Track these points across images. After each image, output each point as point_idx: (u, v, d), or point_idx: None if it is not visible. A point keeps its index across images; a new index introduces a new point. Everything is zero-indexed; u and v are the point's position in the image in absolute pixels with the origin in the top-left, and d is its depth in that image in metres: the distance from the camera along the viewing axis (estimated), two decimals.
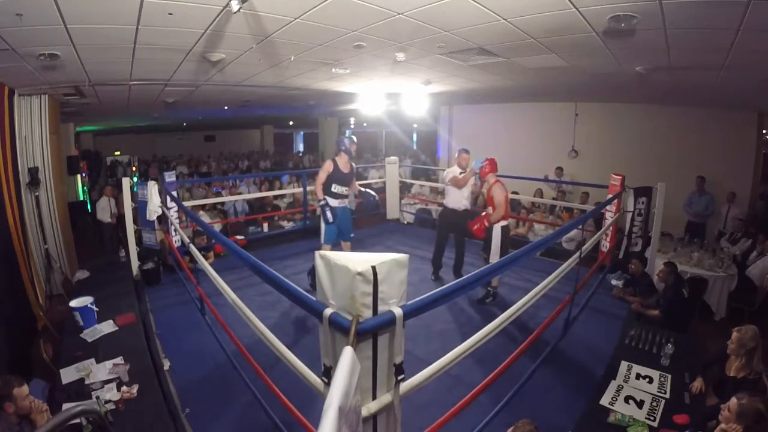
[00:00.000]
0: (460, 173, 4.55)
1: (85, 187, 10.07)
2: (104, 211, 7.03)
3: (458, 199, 4.62)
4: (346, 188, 4.41)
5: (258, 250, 5.84)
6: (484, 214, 4.29)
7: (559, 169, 8.24)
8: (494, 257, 4.13)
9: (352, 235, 4.66)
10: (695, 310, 4.06)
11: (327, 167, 4.28)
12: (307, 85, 6.10)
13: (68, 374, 2.77)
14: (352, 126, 18.58)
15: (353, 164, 4.48)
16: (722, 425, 1.98)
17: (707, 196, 6.70)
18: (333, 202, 4.29)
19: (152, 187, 4.67)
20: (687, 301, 3.89)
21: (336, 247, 4.43)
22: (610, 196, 4.80)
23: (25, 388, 2.06)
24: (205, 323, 3.52)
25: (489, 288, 4.25)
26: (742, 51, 3.21)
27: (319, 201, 4.27)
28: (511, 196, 7.66)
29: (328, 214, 4.16)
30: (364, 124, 18.01)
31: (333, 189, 4.30)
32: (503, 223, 4.19)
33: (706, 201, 6.70)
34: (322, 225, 4.26)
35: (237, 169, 14.25)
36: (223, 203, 7.97)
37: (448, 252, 4.88)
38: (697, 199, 6.75)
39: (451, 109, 10.33)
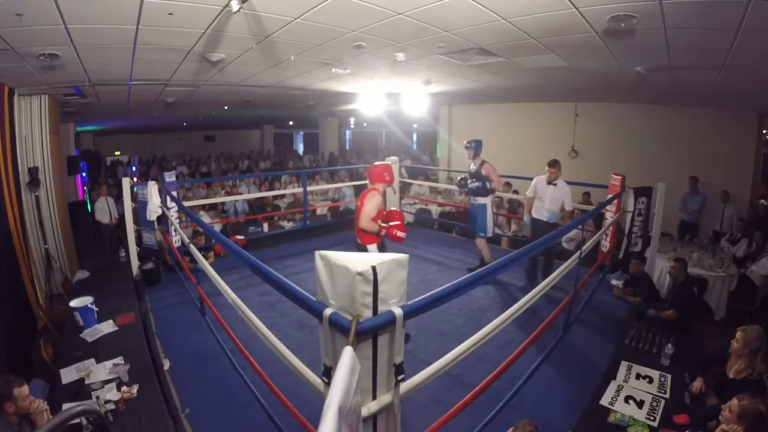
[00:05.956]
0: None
1: (85, 188, 10.07)
2: (103, 212, 6.97)
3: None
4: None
5: (258, 250, 5.84)
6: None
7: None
8: None
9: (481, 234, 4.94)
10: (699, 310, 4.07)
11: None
12: (307, 85, 6.09)
13: (68, 374, 2.77)
14: (352, 126, 18.56)
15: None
16: (723, 426, 1.98)
17: (700, 195, 6.75)
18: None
19: (152, 187, 4.66)
20: (697, 300, 3.88)
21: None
22: (610, 196, 4.79)
23: (25, 388, 2.06)
24: (205, 323, 3.52)
25: None
26: (742, 51, 3.21)
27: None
28: (511, 195, 7.73)
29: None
30: (364, 124, 17.99)
31: None
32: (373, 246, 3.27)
33: (699, 200, 6.76)
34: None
35: (237, 169, 14.24)
36: (223, 203, 7.98)
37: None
38: (690, 199, 6.80)
39: (451, 109, 10.32)
